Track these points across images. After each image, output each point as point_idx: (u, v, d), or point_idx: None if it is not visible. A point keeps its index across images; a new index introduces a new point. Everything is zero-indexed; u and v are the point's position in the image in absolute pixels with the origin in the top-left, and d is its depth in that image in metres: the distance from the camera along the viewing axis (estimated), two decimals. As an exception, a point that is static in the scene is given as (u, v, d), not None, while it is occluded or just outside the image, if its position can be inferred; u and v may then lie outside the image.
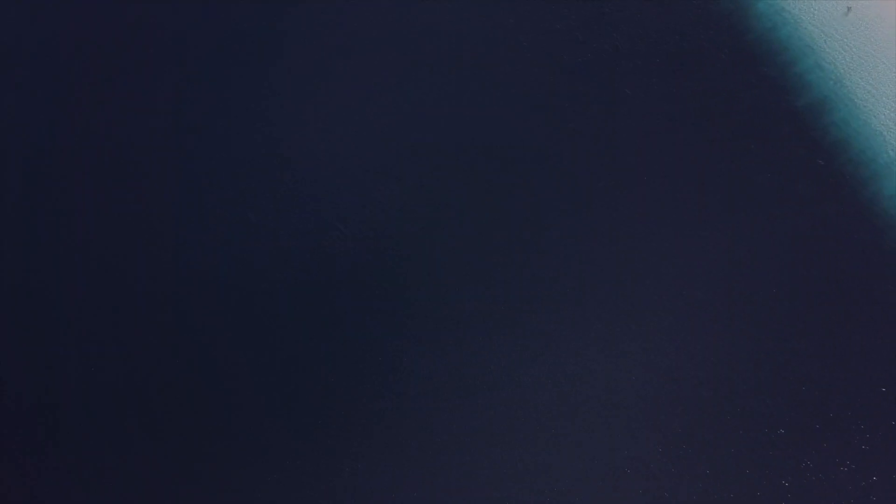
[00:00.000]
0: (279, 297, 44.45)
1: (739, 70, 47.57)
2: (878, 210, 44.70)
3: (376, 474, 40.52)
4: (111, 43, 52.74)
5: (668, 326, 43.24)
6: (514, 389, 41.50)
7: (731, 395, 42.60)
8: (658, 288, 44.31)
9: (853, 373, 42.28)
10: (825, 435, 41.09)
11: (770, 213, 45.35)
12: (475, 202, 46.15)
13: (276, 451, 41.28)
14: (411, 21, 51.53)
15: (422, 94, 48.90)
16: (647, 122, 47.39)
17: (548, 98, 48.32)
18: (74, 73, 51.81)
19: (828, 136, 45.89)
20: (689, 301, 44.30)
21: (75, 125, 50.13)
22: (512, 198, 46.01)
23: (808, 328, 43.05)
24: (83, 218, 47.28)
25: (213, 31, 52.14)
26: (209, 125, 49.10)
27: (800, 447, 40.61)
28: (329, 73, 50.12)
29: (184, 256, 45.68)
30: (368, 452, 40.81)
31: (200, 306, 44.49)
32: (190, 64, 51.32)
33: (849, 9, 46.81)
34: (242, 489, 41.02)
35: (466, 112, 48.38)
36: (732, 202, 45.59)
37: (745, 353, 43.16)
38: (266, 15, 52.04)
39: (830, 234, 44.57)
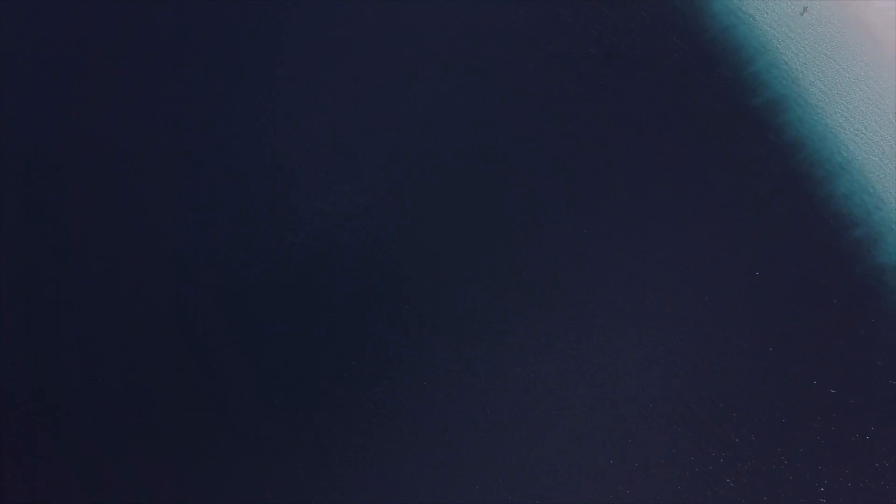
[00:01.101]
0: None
1: (695, 70, 47.59)
2: (831, 210, 44.93)
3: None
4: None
5: (624, 327, 44.26)
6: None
7: (685, 393, 43.42)
8: (615, 289, 45.26)
9: (807, 371, 42.88)
10: (777, 434, 41.88)
11: (726, 212, 45.65)
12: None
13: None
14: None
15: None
16: (604, 127, 47.59)
17: (498, 101, 48.92)
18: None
19: (783, 136, 46.05)
20: (642, 300, 45.06)
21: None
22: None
23: (762, 326, 43.47)
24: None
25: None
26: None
27: (754, 446, 41.56)
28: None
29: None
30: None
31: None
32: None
33: (805, 8, 46.61)
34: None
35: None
36: (691, 202, 45.61)
37: (698, 352, 43.90)
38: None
39: (785, 234, 44.82)
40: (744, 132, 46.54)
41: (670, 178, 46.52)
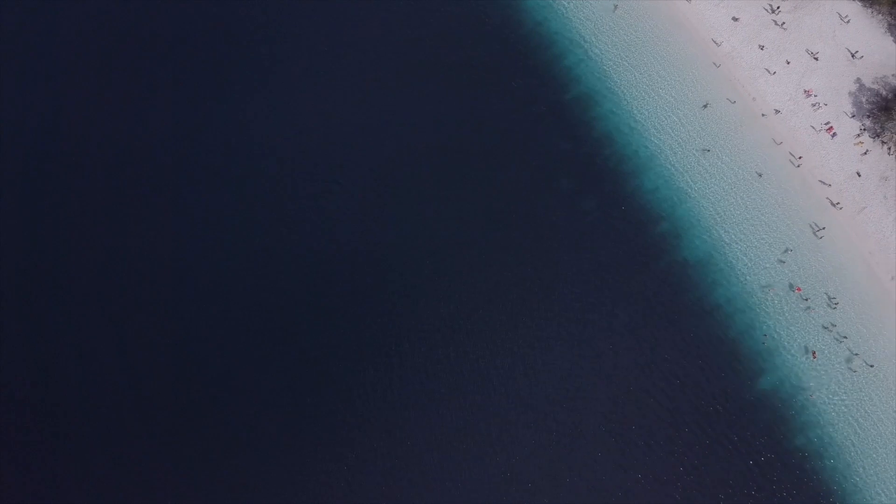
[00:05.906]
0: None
1: (509, 65, 46.81)
2: (639, 204, 44.12)
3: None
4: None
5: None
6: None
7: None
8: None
9: (606, 367, 41.72)
10: (569, 422, 40.94)
11: (533, 209, 44.61)
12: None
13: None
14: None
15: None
16: (415, 125, 46.64)
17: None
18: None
19: (592, 131, 45.39)
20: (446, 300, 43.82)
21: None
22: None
23: (562, 322, 42.46)
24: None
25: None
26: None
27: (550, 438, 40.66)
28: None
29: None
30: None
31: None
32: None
33: (615, 6, 46.33)
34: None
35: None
36: (496, 200, 44.82)
37: (495, 349, 42.68)
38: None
39: (591, 231, 43.88)
40: (553, 127, 45.84)
41: (474, 176, 45.51)
